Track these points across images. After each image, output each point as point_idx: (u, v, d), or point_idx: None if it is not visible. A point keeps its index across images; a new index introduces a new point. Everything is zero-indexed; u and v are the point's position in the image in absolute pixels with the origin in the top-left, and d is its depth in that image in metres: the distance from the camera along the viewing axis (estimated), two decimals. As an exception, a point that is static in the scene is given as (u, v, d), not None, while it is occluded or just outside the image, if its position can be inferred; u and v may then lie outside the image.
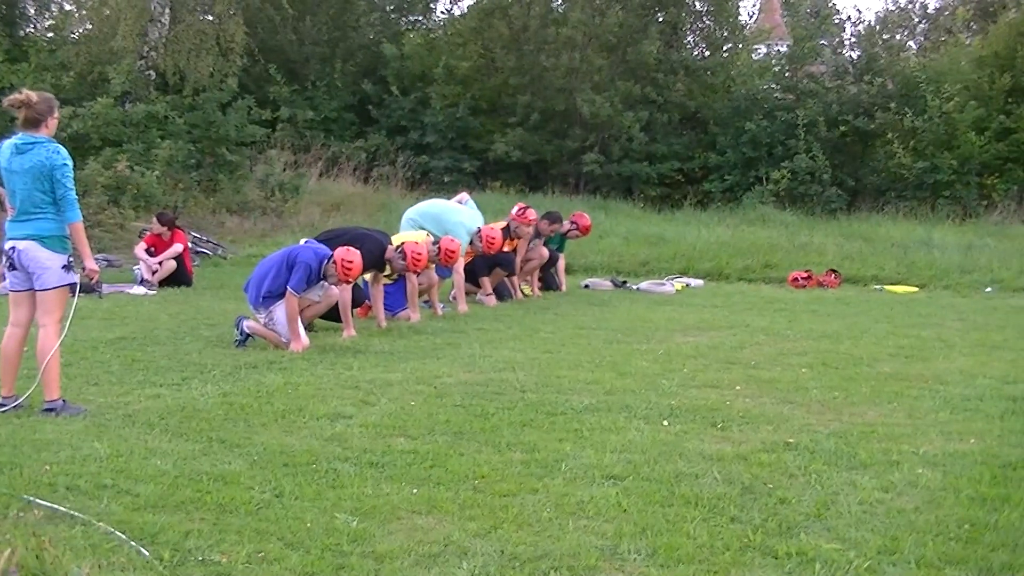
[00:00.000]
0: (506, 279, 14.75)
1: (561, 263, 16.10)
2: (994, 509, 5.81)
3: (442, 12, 32.15)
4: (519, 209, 14.76)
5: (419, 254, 11.92)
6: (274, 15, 29.26)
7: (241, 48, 26.17)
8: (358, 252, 10.94)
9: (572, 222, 15.93)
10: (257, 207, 23.80)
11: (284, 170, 25.21)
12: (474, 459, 6.59)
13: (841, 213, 24.98)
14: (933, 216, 24.00)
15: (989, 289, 16.62)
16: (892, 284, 16.70)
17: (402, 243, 12.12)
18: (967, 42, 32.09)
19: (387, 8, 32.06)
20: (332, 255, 10.83)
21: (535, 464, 6.51)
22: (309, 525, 5.37)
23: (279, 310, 10.69)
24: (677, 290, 16.16)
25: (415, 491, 5.95)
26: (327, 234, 12.63)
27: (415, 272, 12.20)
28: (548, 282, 15.86)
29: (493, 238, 13.77)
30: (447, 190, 26.34)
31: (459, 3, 31.35)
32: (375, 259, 11.76)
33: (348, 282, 11.13)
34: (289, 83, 28.65)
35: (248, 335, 10.86)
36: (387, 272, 12.24)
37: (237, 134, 24.60)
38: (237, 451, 6.71)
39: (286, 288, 10.61)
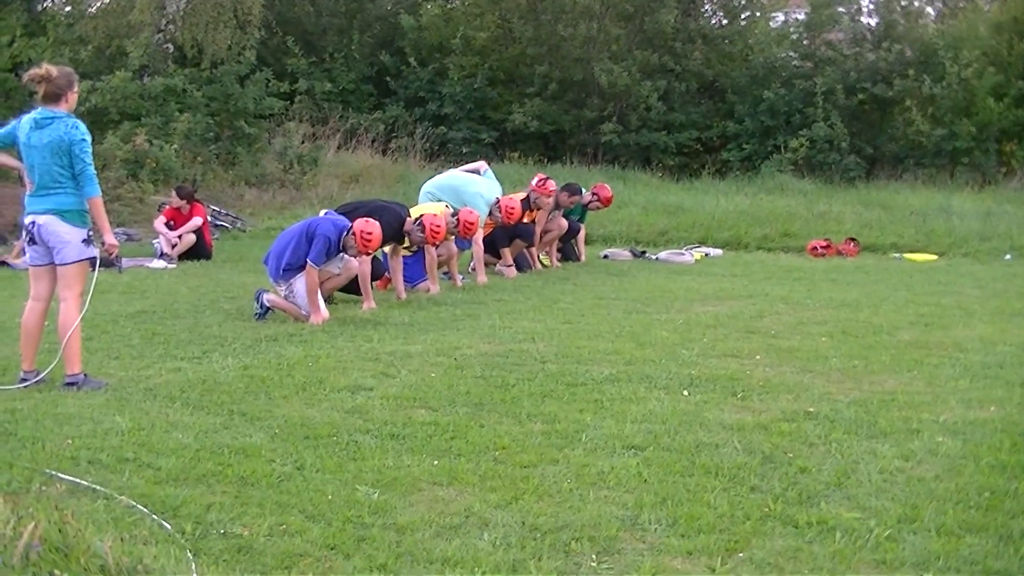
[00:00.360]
0: (525, 250, 14.74)
1: (581, 235, 16.08)
2: (1014, 476, 5.81)
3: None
4: (539, 180, 14.73)
5: (438, 226, 11.92)
6: (291, -13, 29.28)
7: (258, 20, 26.07)
8: (377, 224, 10.94)
9: (593, 193, 15.87)
10: (276, 180, 23.81)
11: (302, 143, 25.19)
12: (494, 430, 6.62)
13: (860, 181, 24.86)
14: (952, 183, 23.89)
15: (1008, 256, 16.57)
16: (911, 252, 16.68)
17: (420, 215, 12.11)
18: (985, 8, 31.87)
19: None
20: (351, 227, 10.83)
21: (555, 435, 6.53)
22: (330, 497, 5.39)
23: (299, 283, 10.71)
24: (696, 260, 16.15)
25: (435, 463, 5.97)
26: (346, 206, 12.65)
27: (434, 244, 12.20)
28: (567, 253, 15.84)
29: (512, 208, 13.77)
30: (465, 160, 26.13)
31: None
32: (394, 231, 11.76)
33: (367, 254, 11.15)
34: (307, 55, 28.58)
35: (268, 308, 10.89)
36: (406, 244, 12.24)
37: (255, 107, 24.59)
38: (258, 424, 6.74)
39: (305, 261, 10.64)
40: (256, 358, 8.80)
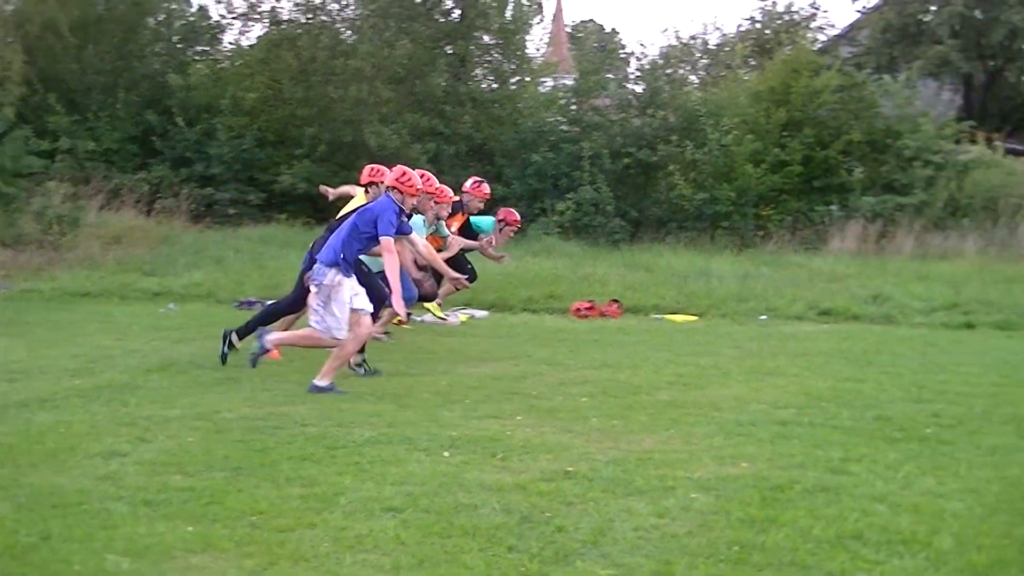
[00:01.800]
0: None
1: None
2: (763, 530, 5.98)
3: (230, 43, 31.68)
4: (474, 182, 14.48)
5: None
6: (55, 43, 28.50)
7: (19, 77, 25.42)
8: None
9: (500, 220, 15.56)
10: (33, 240, 23.05)
11: (63, 202, 24.50)
12: (252, 495, 6.52)
13: (624, 244, 25.35)
14: (712, 246, 24.55)
15: (764, 317, 17.08)
16: (672, 313, 17.06)
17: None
18: (745, 77, 33.04)
19: (173, 38, 31.45)
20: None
21: (314, 498, 6.46)
22: (77, 568, 5.24)
23: (344, 292, 10.23)
24: (462, 321, 16.23)
25: (190, 529, 5.85)
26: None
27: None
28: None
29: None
30: (232, 223, 26.04)
31: (247, 34, 30.94)
32: None
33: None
34: (70, 113, 27.86)
35: (267, 350, 10.60)
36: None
37: (13, 165, 23.80)
38: (2, 494, 6.49)
39: (361, 246, 10.39)
40: (3, 425, 8.49)
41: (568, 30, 49.89)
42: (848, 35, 41.34)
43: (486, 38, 30.15)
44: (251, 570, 5.29)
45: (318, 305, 10.25)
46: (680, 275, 19.95)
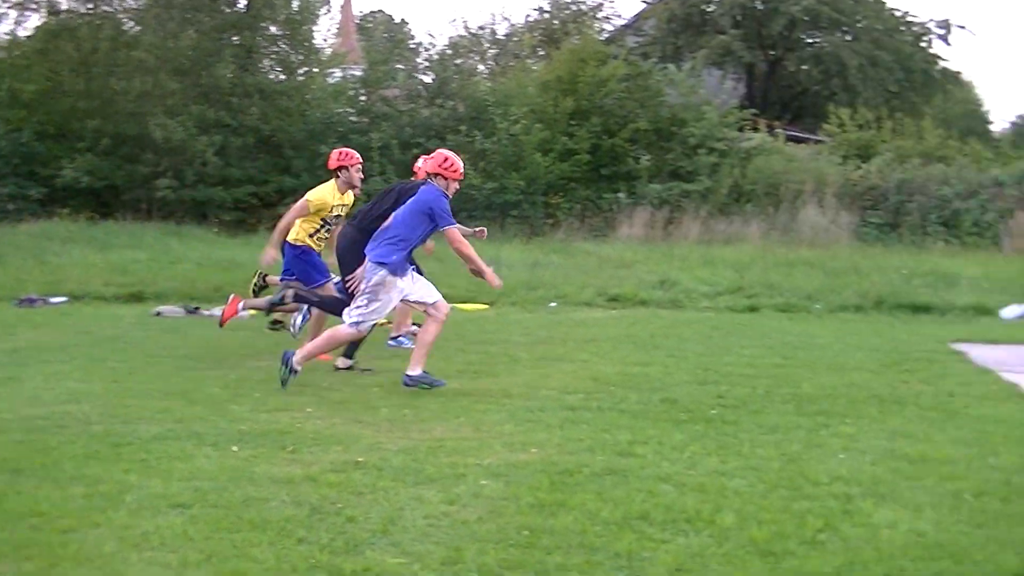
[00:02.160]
0: None
1: None
2: (552, 514, 6.06)
3: (5, 33, 30.65)
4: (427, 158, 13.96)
5: None
6: None
7: None
8: None
9: None
10: None
11: None
12: (33, 496, 6.32)
13: (416, 235, 25.34)
14: (502, 235, 24.72)
15: (553, 304, 17.28)
16: (462, 302, 17.10)
17: None
18: (534, 67, 33.36)
19: (-59, 30, 30.40)
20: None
21: (98, 497, 6.31)
22: None
23: (394, 291, 9.91)
24: (251, 315, 15.99)
25: (-35, 534, 5.66)
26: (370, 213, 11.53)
27: None
28: None
29: None
30: (11, 219, 25.24)
31: (23, 24, 29.95)
32: None
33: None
34: None
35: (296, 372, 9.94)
36: None
37: None
38: None
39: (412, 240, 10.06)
40: None
41: (357, 21, 49.63)
42: (634, 25, 42.13)
43: (273, 29, 29.83)
44: (31, 573, 5.15)
45: (363, 299, 9.91)
46: (466, 264, 19.99)
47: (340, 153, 12.02)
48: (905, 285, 18.28)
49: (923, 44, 44.20)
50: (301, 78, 29.77)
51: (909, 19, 43.59)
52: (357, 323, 9.91)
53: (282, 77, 29.96)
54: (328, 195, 11.78)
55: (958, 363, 12.20)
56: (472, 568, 5.26)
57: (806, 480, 6.89)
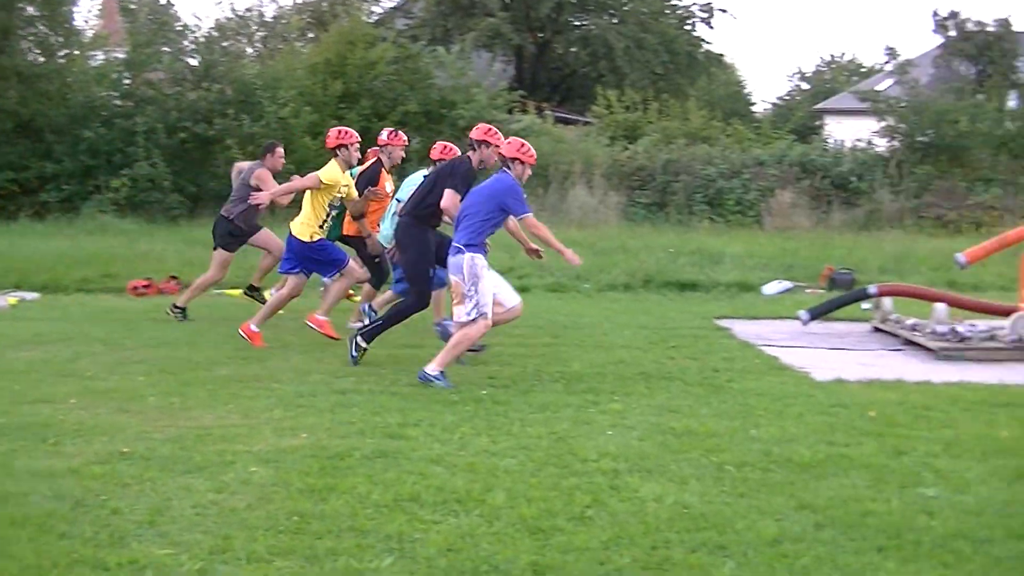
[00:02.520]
0: None
1: None
2: (322, 499, 6.07)
3: None
4: (389, 133, 13.20)
5: None
6: None
7: None
8: None
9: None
10: None
11: None
12: None
13: (183, 219, 24.92)
14: (273, 220, 24.23)
15: (324, 286, 17.12)
16: (231, 288, 16.82)
17: None
18: (303, 50, 33.06)
19: None
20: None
21: None
22: None
23: (486, 271, 9.79)
24: (11, 304, 15.49)
25: None
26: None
27: None
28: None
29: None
30: None
31: None
32: None
33: None
34: None
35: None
36: None
37: None
38: None
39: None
40: None
41: (120, 2, 48.36)
42: (403, 7, 42.14)
43: (30, 9, 28.77)
44: None
45: (468, 291, 9.64)
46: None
47: (339, 132, 11.97)
48: (672, 263, 18.73)
49: (687, 27, 45.40)
50: (62, 61, 28.79)
51: (674, 3, 44.72)
52: (479, 315, 9.65)
53: (41, 59, 28.93)
54: (338, 174, 11.71)
55: (722, 339, 12.59)
56: (241, 556, 5.22)
57: (575, 457, 7.03)
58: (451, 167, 10.95)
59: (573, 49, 44.12)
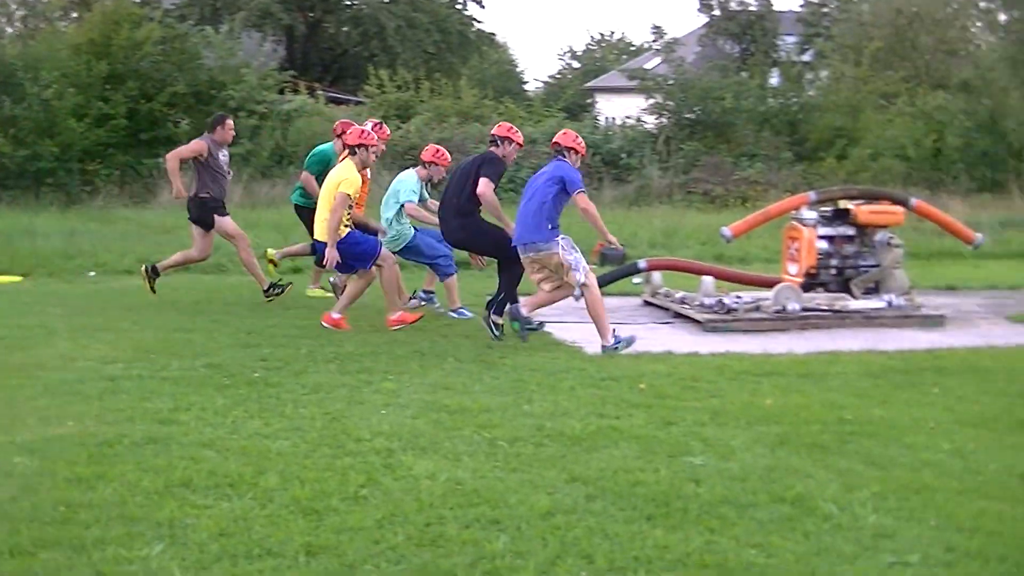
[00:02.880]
0: None
1: None
2: (90, 488, 5.93)
3: None
4: (373, 124, 12.53)
5: None
6: None
7: None
8: None
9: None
10: None
11: None
12: None
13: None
14: (37, 204, 23.85)
15: (92, 273, 16.74)
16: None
17: None
18: (65, 29, 32.19)
19: None
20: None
21: None
22: None
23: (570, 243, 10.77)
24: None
25: None
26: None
27: None
28: None
29: None
30: None
31: None
32: None
33: None
34: None
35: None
36: None
37: None
38: None
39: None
40: None
41: None
42: (172, -13, 41.20)
43: None
44: None
45: (572, 263, 10.65)
46: (3, 234, 19.11)
47: (363, 132, 11.73)
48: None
49: (458, 6, 45.59)
50: None
51: (444, -19, 44.84)
52: (586, 273, 10.64)
53: None
54: (355, 175, 11.43)
55: (496, 316, 12.67)
56: (3, 550, 5.06)
57: (349, 437, 7.02)
58: (482, 159, 11.79)
59: (344, 28, 43.88)
